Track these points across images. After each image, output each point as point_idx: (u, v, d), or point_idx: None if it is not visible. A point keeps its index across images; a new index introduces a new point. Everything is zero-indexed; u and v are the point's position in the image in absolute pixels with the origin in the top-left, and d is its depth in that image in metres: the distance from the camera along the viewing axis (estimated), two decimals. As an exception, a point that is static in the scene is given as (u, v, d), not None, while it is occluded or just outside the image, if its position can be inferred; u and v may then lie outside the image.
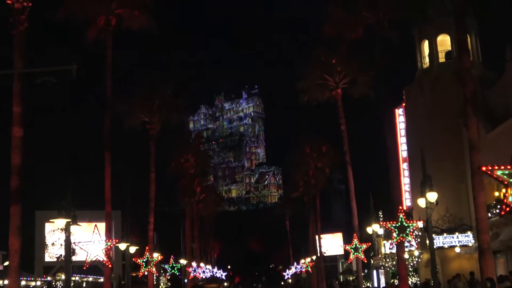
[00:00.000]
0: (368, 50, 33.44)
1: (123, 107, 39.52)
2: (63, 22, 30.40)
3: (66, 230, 22.92)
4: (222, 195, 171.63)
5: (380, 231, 44.33)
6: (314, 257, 67.51)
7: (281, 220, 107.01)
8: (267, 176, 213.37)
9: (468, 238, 40.84)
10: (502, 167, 14.82)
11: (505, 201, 14.57)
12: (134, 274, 45.71)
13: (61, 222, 21.92)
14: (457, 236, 41.16)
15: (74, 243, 25.40)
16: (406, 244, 29.57)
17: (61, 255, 55.23)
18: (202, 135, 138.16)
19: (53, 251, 72.55)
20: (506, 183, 14.62)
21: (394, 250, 36.14)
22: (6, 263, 50.67)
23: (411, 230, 25.06)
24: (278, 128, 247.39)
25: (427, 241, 29.42)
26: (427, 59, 46.52)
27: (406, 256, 38.07)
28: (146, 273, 37.52)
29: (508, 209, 14.64)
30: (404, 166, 47.26)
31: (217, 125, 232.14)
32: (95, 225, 27.06)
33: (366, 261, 37.35)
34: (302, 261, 78.54)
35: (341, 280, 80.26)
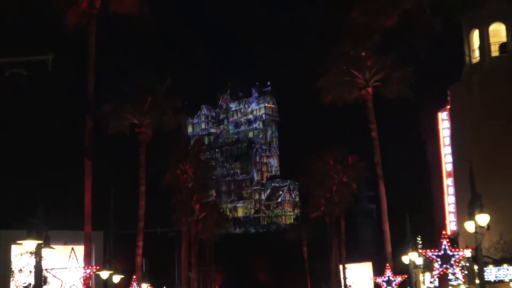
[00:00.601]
0: (405, 41, 33.35)
1: (108, 107, 39.63)
2: (40, 5, 30.61)
3: (37, 254, 22.90)
4: (226, 214, 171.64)
5: (419, 261, 43.97)
6: (337, 292, 67.17)
7: (298, 245, 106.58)
8: (281, 192, 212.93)
9: (526, 271, 40.46)
10: None
11: None
12: (118, 309, 45.58)
13: (30, 244, 21.89)
14: (513, 268, 40.80)
15: (46, 270, 25.35)
16: (451, 277, 29.32)
17: (29, 284, 55.22)
18: (202, 141, 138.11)
19: (21, 279, 72.46)
20: None
21: (436, 284, 35.85)
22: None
23: (457, 260, 24.87)
24: (295, 134, 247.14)
25: (476, 274, 29.16)
26: (477, 53, 46.31)
27: (450, 292, 37.77)
28: (133, 308, 37.47)
29: None
30: (448, 181, 46.91)
31: (221, 129, 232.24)
32: (72, 249, 26.98)
33: (401, 297, 37.11)
34: (323, 296, 78.22)
35: (370, 320, 79.87)
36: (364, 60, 37.62)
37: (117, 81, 41.66)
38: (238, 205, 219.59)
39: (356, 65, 37.79)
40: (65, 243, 39.53)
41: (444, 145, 47.63)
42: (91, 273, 28.01)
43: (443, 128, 48.01)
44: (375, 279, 35.93)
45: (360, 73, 37.84)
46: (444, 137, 47.84)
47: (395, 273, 35.10)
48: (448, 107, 47.99)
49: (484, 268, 33.18)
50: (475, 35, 46.63)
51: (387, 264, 34.97)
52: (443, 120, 48.19)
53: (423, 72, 29.29)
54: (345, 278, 64.33)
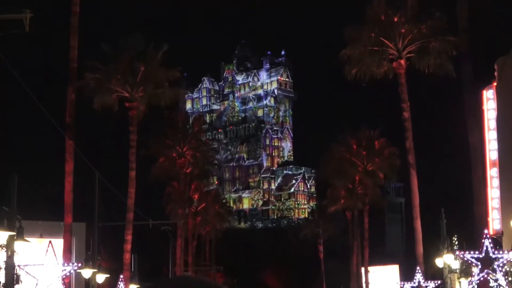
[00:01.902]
0: (446, 5, 33.19)
1: (93, 77, 39.66)
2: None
3: (8, 247, 22.98)
4: (229, 205, 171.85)
5: (455, 265, 44.02)
6: (358, 299, 67.38)
7: (313, 244, 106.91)
8: (294, 181, 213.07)
9: None
10: None
11: None
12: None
13: (0, 236, 21.94)
14: None
15: (18, 266, 25.46)
16: (493, 283, 29.32)
17: None
18: (203, 120, 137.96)
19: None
20: None
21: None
22: None
23: (500, 264, 24.84)
24: (312, 113, 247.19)
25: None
26: (530, 21, 46.05)
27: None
28: (119, 312, 37.68)
29: None
30: (492, 172, 46.83)
31: (225, 106, 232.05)
32: (50, 242, 27.08)
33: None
34: (341, 303, 78.55)
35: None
36: (397, 27, 37.49)
37: (104, 46, 41.63)
38: (243, 195, 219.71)
39: (387, 33, 37.68)
40: (42, 236, 39.66)
41: (489, 129, 47.47)
42: (72, 271, 28.13)
43: (488, 109, 47.82)
44: (403, 284, 35.96)
45: (392, 42, 37.74)
46: (489, 119, 47.65)
47: (427, 278, 35.14)
48: (495, 84, 47.76)
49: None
50: (529, -1, 46.32)
51: (418, 268, 34.97)
52: (488, 99, 47.99)
53: (466, 42, 29.07)
54: (367, 283, 64.53)
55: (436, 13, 36.84)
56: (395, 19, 37.63)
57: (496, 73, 47.55)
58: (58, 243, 29.70)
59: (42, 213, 49.90)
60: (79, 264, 32.88)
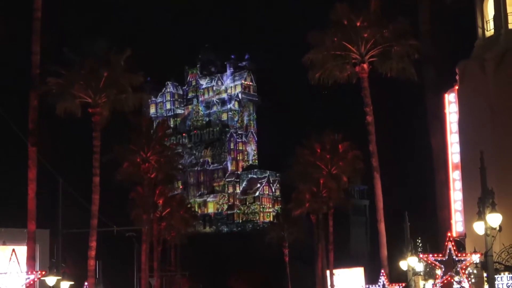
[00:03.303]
0: (408, 9, 33.43)
1: (56, 82, 39.39)
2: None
3: (-29, 256, 22.71)
4: (194, 210, 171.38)
5: (419, 267, 44.32)
6: (323, 302, 67.60)
7: (278, 247, 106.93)
8: (259, 185, 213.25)
9: (543, 280, 40.88)
10: None
11: None
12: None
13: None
14: (528, 276, 41.20)
15: (-19, 275, 25.19)
16: (456, 286, 29.57)
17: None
18: (168, 125, 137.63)
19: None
20: None
21: (438, 295, 36.08)
22: None
23: (463, 267, 25.04)
24: (276, 117, 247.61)
25: (486, 283, 29.42)
26: (491, 24, 46.47)
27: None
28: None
29: None
30: (455, 175, 47.20)
31: (189, 110, 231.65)
32: (13, 250, 26.86)
33: (398, 309, 37.37)
34: (306, 306, 78.75)
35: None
36: (360, 31, 37.70)
37: (66, 51, 41.36)
38: (208, 199, 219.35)
39: (350, 37, 37.87)
40: (4, 243, 39.28)
41: (451, 133, 47.84)
42: (36, 279, 27.89)
43: (450, 113, 48.18)
44: (368, 287, 36.16)
45: (354, 46, 37.94)
46: (451, 123, 48.02)
47: (391, 280, 35.33)
48: (457, 88, 48.14)
49: (495, 276, 33.56)
50: (490, 3, 46.75)
51: (383, 271, 35.14)
52: (450, 103, 48.37)
53: (427, 45, 29.33)
54: (332, 286, 64.66)
55: (398, 17, 37.07)
56: (358, 24, 37.82)
57: (457, 77, 47.96)
58: (22, 250, 29.42)
59: (5, 220, 49.40)
60: (43, 272, 32.63)
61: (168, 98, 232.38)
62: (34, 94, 31.45)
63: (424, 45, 29.85)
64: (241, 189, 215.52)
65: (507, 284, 41.64)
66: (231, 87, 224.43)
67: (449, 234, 25.69)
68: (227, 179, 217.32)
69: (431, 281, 39.44)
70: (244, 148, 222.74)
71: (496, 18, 45.98)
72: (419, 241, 53.64)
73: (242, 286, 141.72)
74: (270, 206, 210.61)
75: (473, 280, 40.06)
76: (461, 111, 47.49)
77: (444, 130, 45.90)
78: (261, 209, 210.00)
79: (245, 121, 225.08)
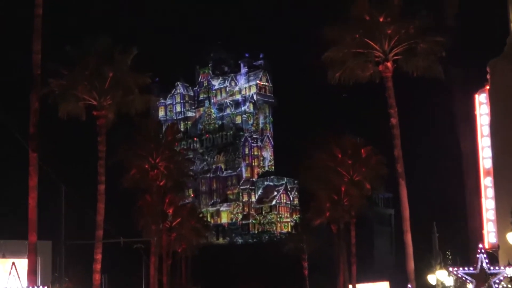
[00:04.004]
0: (433, 3, 33.41)
1: (59, 83, 39.57)
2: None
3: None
4: (206, 220, 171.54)
5: (449, 281, 44.18)
6: (345, 318, 67.53)
7: (296, 259, 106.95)
8: (275, 193, 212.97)
9: None
10: None
11: None
12: None
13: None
14: None
15: (-21, 290, 25.34)
16: (488, 301, 29.48)
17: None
18: (177, 128, 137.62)
19: None
20: None
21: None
22: None
23: (497, 281, 24.96)
24: (294, 120, 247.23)
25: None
26: (524, 19, 46.35)
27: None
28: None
29: None
30: (487, 182, 47.00)
31: (201, 113, 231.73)
32: (13, 263, 27.04)
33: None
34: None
35: None
36: (383, 28, 37.66)
37: (69, 49, 41.55)
38: (221, 208, 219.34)
39: (373, 34, 37.83)
40: (4, 256, 39.49)
41: (482, 136, 47.67)
42: (37, 294, 28.01)
43: (481, 114, 48.01)
44: (394, 303, 36.13)
45: (377, 43, 37.89)
46: (482, 125, 47.85)
47: (419, 295, 35.21)
48: (488, 87, 48.01)
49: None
50: (523, -3, 46.62)
51: (409, 285, 35.09)
52: (481, 104, 48.20)
53: (456, 42, 29.29)
54: (355, 301, 64.53)
55: (423, 11, 37.04)
56: (381, 19, 37.76)
57: (488, 76, 47.79)
58: (22, 263, 29.55)
59: (4, 231, 49.64)
60: (45, 287, 32.80)
61: (178, 100, 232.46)
62: (35, 96, 31.57)
63: (451, 41, 29.81)
64: (256, 197, 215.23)
65: (543, 299, 41.48)
66: (246, 87, 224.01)
67: (480, 246, 25.63)
68: (241, 187, 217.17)
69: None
70: (259, 153, 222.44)
71: (530, 13, 45.85)
72: (449, 253, 53.43)
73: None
74: (288, 215, 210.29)
75: (506, 295, 39.98)
76: (493, 112, 47.29)
77: (474, 133, 45.78)
78: (278, 219, 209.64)
79: (260, 125, 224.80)
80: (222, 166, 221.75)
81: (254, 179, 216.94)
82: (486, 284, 24.87)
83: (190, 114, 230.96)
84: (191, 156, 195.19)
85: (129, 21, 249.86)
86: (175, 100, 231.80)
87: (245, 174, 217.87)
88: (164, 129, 72.67)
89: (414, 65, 37.71)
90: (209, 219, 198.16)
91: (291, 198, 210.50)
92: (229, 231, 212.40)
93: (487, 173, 47.07)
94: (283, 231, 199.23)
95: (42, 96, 33.68)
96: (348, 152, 62.63)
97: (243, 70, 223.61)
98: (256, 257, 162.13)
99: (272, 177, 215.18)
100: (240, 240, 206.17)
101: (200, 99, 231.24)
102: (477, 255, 25.04)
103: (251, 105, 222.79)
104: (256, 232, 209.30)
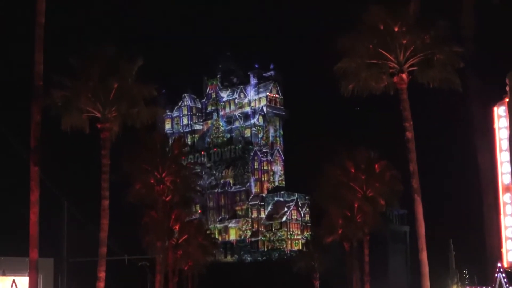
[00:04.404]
0: (450, 12, 33.37)
1: (61, 95, 39.62)
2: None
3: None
4: (214, 236, 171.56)
5: (466, 301, 44.13)
6: None
7: (307, 279, 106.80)
8: (286, 209, 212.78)
9: None
10: None
11: None
12: None
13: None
14: None
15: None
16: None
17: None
18: (184, 141, 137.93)
19: None
20: None
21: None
22: None
23: (516, 301, 24.89)
24: (305, 133, 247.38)
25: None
26: (545, 29, 46.34)
27: None
28: None
29: None
30: (505, 198, 46.81)
31: (208, 125, 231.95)
32: (13, 281, 27.05)
33: None
34: None
35: None
36: (398, 37, 37.60)
37: (71, 60, 41.62)
38: (230, 225, 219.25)
39: (387, 44, 37.77)
40: (4, 273, 39.46)
41: (501, 150, 47.50)
42: (37, 313, 27.99)
43: (500, 128, 47.86)
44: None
45: (392, 54, 37.83)
46: (501, 139, 47.70)
47: (435, 316, 35.09)
48: (507, 100, 47.89)
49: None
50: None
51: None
52: (500, 117, 48.05)
53: (474, 53, 29.25)
54: (369, 322, 64.29)
55: (439, 20, 36.98)
56: (396, 29, 37.67)
57: (508, 88, 47.67)
58: (23, 281, 29.60)
59: (5, 248, 49.71)
60: (46, 305, 32.77)
61: (185, 112, 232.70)
62: (36, 107, 31.60)
63: (468, 52, 29.72)
64: (266, 213, 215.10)
65: None
66: (255, 99, 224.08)
67: (499, 265, 25.53)
68: (250, 203, 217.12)
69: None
70: (269, 168, 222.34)
71: (551, 22, 45.81)
72: (466, 272, 53.30)
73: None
74: (299, 232, 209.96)
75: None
76: (513, 126, 47.14)
77: (493, 148, 45.63)
78: (289, 236, 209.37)
79: (270, 138, 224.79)
80: (231, 181, 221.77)
81: (263, 195, 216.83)
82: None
83: (197, 127, 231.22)
84: (199, 170, 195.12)
85: (135, 31, 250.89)
86: (182, 113, 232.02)
87: (254, 189, 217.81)
88: (170, 142, 72.73)
89: (430, 77, 37.60)
90: (217, 236, 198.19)
91: (302, 214, 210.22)
92: (237, 249, 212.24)
93: (506, 189, 46.87)
94: (293, 249, 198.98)
95: (44, 108, 33.70)
96: (361, 167, 62.59)
97: (253, 81, 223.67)
98: (265, 276, 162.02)
99: (282, 192, 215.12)
100: (249, 258, 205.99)
101: (208, 111, 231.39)
102: (496, 274, 24.98)
103: (260, 117, 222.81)
104: (265, 249, 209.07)
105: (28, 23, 32.83)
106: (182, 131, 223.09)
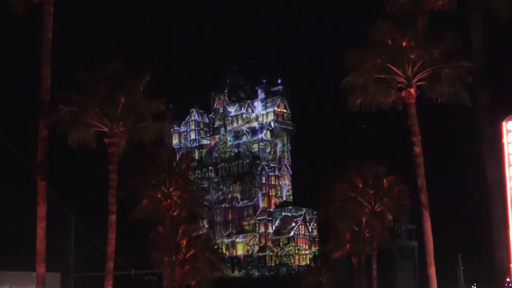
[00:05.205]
0: (460, 27, 33.30)
1: (69, 110, 39.60)
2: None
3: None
4: (221, 252, 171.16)
5: (475, 317, 43.87)
6: None
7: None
8: (293, 224, 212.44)
9: None
10: None
11: None
12: None
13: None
14: None
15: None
16: None
17: None
18: (192, 156, 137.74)
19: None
20: None
21: None
22: None
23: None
24: (313, 148, 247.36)
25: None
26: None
27: None
28: None
29: None
30: (514, 213, 46.74)
31: (216, 140, 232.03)
32: (19, 296, 26.95)
33: None
34: None
35: None
36: (406, 52, 37.53)
37: (78, 75, 41.65)
38: (237, 240, 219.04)
39: (395, 58, 37.70)
40: (11, 288, 39.43)
41: (510, 165, 47.35)
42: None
43: (509, 143, 47.70)
44: None
45: (400, 69, 37.76)
46: (509, 154, 47.51)
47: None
48: (515, 114, 47.77)
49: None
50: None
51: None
52: (508, 131, 47.88)
53: (483, 67, 29.13)
54: (377, 338, 64.02)
55: (448, 35, 36.91)
56: (404, 43, 37.59)
57: (516, 102, 47.56)
58: (29, 296, 29.45)
59: (11, 263, 49.68)
60: (53, 321, 32.66)
61: (193, 127, 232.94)
62: (43, 123, 31.61)
63: (477, 66, 29.56)
64: (273, 228, 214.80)
65: None
66: (263, 114, 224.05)
67: (508, 280, 25.36)
68: (258, 218, 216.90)
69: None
70: (277, 183, 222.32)
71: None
72: (474, 287, 53.06)
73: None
74: (307, 247, 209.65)
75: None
76: (522, 140, 47.02)
77: (501, 162, 45.47)
78: (296, 251, 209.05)
79: (278, 153, 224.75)
80: (238, 196, 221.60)
81: (271, 210, 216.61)
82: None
83: (205, 141, 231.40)
84: (206, 185, 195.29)
85: (143, 45, 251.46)
86: (189, 127, 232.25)
87: (262, 204, 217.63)
88: (178, 157, 72.66)
89: (439, 91, 37.48)
90: (224, 251, 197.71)
91: (310, 229, 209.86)
92: (245, 264, 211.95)
93: (515, 204, 46.73)
94: (301, 264, 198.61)
95: (51, 123, 33.70)
96: (369, 182, 62.45)
97: (260, 96, 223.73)
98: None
99: (290, 207, 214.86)
100: (256, 273, 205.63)
101: (215, 126, 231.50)
102: (506, 290, 24.80)
103: (268, 132, 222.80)
104: (273, 264, 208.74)
105: (36, 38, 32.88)
106: (189, 146, 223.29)
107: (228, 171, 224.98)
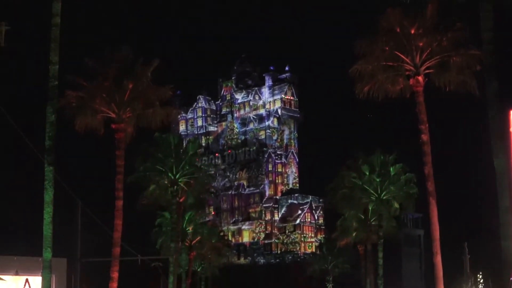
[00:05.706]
0: (469, 14, 33.20)
1: (76, 95, 39.68)
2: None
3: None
4: (227, 238, 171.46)
5: (480, 306, 43.87)
6: None
7: (321, 282, 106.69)
8: (300, 212, 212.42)
9: None
10: None
11: None
12: None
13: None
14: None
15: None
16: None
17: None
18: (199, 143, 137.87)
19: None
20: None
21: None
22: None
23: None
24: (320, 135, 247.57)
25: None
26: None
27: None
28: None
29: None
30: (521, 202, 46.69)
31: (223, 127, 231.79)
32: (26, 280, 27.07)
33: None
34: None
35: None
36: (414, 40, 37.47)
37: (87, 61, 41.67)
38: (243, 227, 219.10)
39: (403, 46, 37.65)
40: (17, 273, 39.50)
41: (518, 154, 47.34)
42: (50, 313, 27.99)
43: (517, 132, 47.70)
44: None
45: (408, 56, 37.71)
46: (517, 143, 47.54)
47: (450, 321, 34.92)
48: (524, 103, 47.71)
49: None
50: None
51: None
52: (516, 120, 47.87)
53: (491, 55, 29.03)
54: (383, 326, 64.12)
55: (457, 23, 36.83)
56: (412, 31, 37.55)
57: (525, 91, 47.51)
58: (36, 281, 29.57)
59: (18, 248, 49.76)
60: (59, 305, 32.79)
61: (200, 114, 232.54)
62: (51, 108, 31.65)
63: (486, 55, 29.49)
64: (280, 216, 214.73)
65: None
66: (270, 102, 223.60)
67: (515, 269, 25.37)
68: (264, 205, 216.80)
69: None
70: (283, 170, 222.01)
71: None
72: (480, 276, 53.04)
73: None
74: (313, 235, 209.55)
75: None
76: (529, 129, 46.93)
77: (508, 151, 45.43)
78: (302, 239, 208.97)
79: (285, 140, 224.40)
80: (245, 183, 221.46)
81: (277, 197, 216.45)
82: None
83: (212, 128, 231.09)
84: (213, 172, 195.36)
85: (151, 32, 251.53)
86: (196, 114, 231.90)
87: (268, 191, 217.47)
88: (184, 144, 72.66)
89: (447, 80, 37.44)
90: (230, 238, 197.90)
91: (316, 217, 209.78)
92: (250, 251, 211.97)
93: (522, 193, 46.67)
94: (307, 252, 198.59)
95: (58, 108, 33.75)
96: (376, 170, 62.42)
97: (268, 83, 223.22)
98: (278, 278, 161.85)
99: (296, 195, 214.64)
100: (262, 260, 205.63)
101: (222, 113, 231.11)
102: (510, 278, 24.82)
103: (275, 120, 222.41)
104: (279, 252, 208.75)
105: (44, 23, 32.88)
106: (196, 132, 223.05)
107: (234, 158, 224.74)
